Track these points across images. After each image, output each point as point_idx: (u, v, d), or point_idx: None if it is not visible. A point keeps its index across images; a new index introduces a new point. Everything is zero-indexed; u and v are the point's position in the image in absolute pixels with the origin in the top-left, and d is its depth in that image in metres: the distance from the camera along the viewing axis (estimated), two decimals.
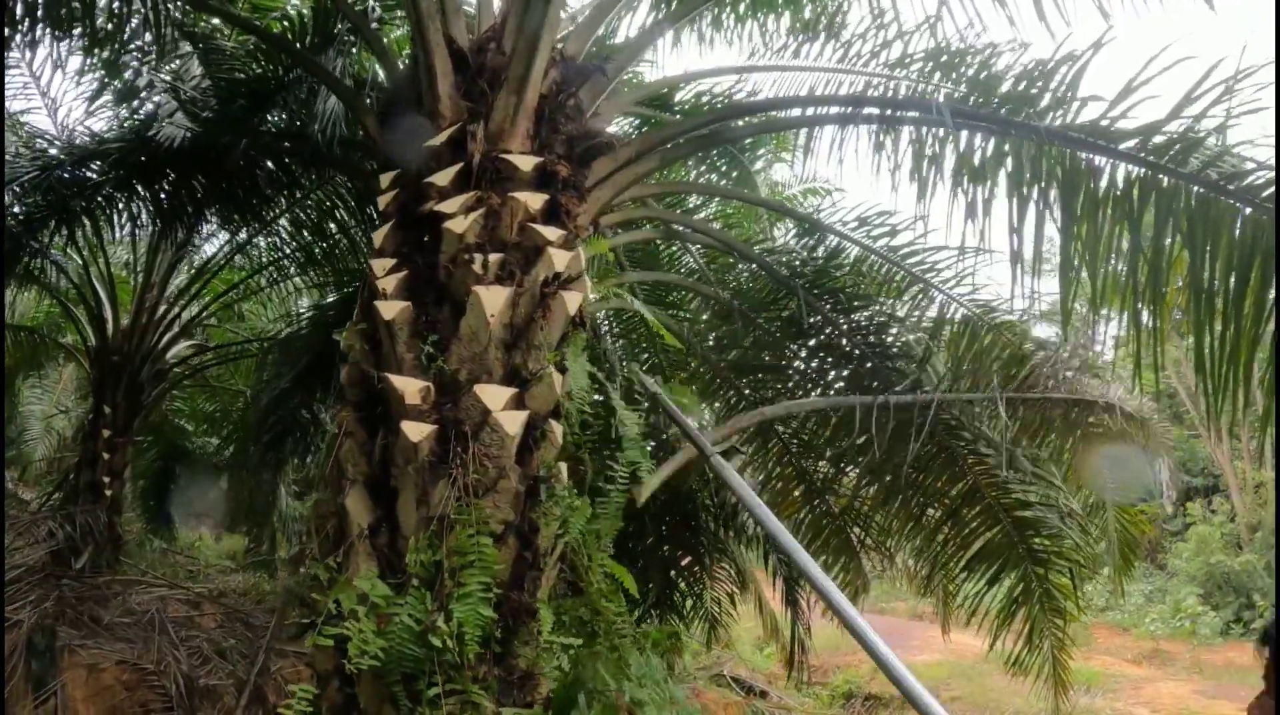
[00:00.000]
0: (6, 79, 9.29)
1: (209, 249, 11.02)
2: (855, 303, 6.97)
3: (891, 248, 6.93)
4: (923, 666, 15.10)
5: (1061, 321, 6.36)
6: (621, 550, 9.24)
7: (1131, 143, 4.60)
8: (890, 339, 7.22)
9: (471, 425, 4.26)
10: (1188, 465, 23.51)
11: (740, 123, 5.50)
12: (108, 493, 9.64)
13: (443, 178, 4.80)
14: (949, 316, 7.03)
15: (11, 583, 7.16)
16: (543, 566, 4.27)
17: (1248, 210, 4.32)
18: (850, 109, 5.39)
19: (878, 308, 7.10)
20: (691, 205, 8.79)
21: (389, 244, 4.93)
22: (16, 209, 8.63)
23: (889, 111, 5.36)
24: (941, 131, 5.19)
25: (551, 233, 4.74)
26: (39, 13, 6.83)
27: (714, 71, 6.40)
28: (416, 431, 4.18)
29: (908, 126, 5.31)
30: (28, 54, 7.73)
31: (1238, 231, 4.39)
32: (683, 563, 9.12)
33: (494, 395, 4.32)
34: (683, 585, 9.14)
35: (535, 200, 4.81)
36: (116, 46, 7.97)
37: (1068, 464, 7.31)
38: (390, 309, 4.51)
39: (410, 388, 4.30)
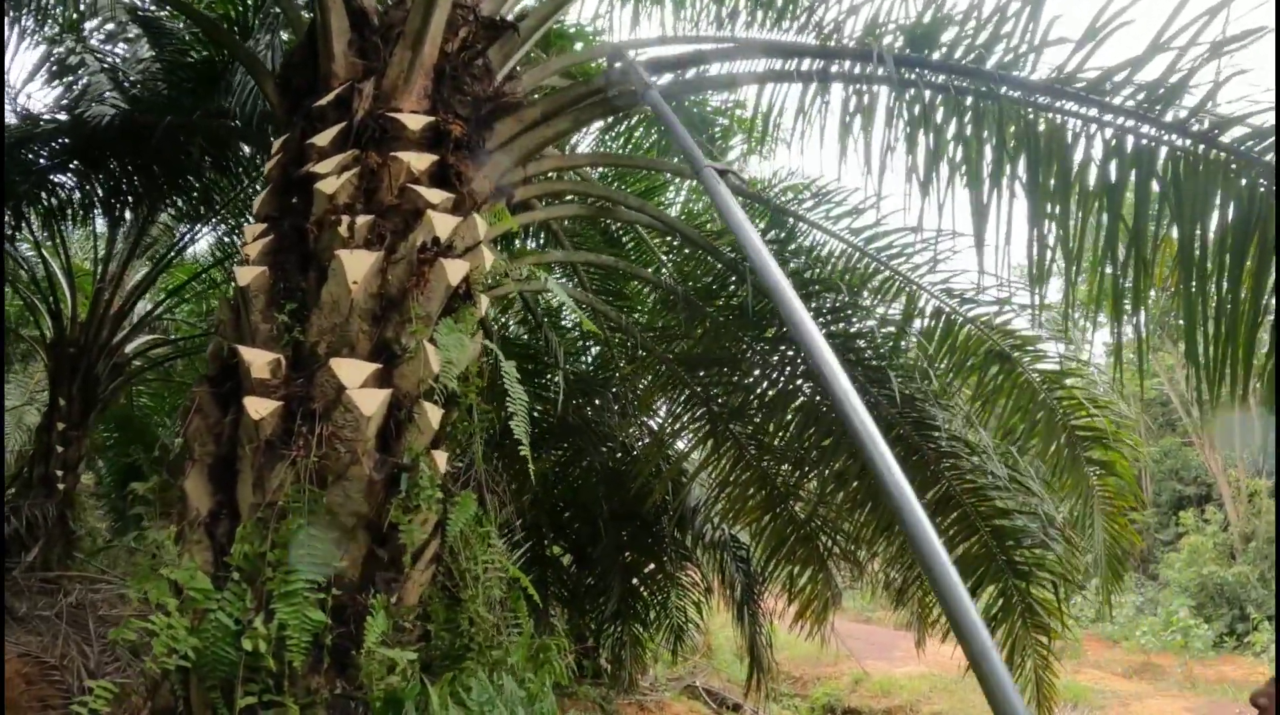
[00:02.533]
0: None
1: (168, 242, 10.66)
2: (812, 288, 6.35)
3: (854, 230, 6.33)
4: (904, 679, 14.48)
5: (1034, 312, 5.71)
6: (579, 556, 8.88)
7: (1103, 95, 4.01)
8: (855, 329, 6.59)
9: (323, 403, 3.71)
10: (1180, 473, 22.85)
11: (663, 79, 4.92)
12: (60, 487, 9.24)
13: (323, 138, 4.33)
14: (920, 308, 6.39)
15: None
16: (404, 567, 3.71)
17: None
18: (783, 63, 4.82)
19: (840, 297, 6.47)
20: (670, 198, 8.28)
21: (264, 209, 4.43)
22: None
23: (826, 64, 4.78)
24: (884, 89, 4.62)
25: (435, 195, 4.22)
26: None
27: (657, 41, 5.82)
28: (259, 407, 3.64)
29: (845, 84, 4.74)
30: None
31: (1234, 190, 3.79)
32: (645, 570, 8.56)
33: (351, 370, 3.78)
34: (645, 593, 8.56)
35: (421, 161, 4.29)
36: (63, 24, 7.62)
37: (1052, 469, 6.66)
38: (246, 274, 4.00)
39: (259, 360, 3.77)
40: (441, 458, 4.02)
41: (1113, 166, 4.23)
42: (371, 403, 3.72)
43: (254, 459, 3.61)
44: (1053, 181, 4.42)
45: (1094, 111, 4.25)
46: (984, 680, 1.96)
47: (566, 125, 4.85)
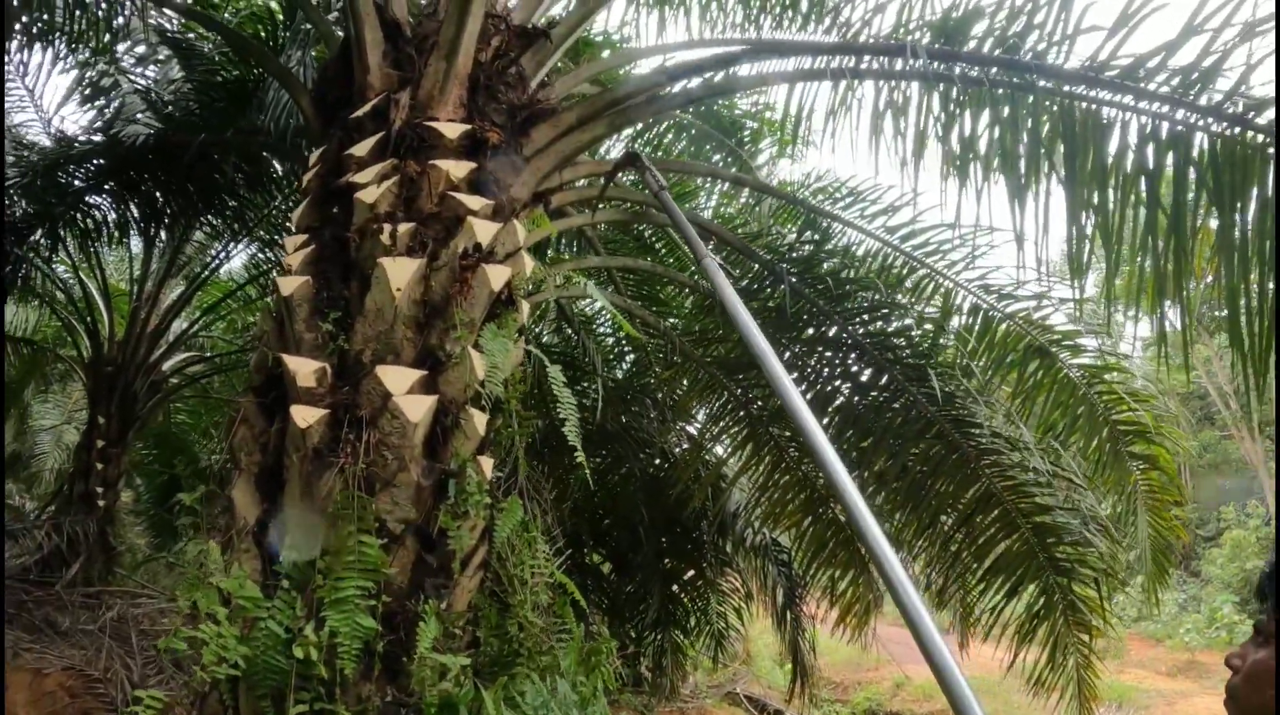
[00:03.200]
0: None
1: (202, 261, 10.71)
2: (848, 288, 6.28)
3: (889, 228, 6.26)
4: None
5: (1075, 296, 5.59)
6: (619, 564, 8.84)
7: (1137, 81, 3.95)
8: (893, 328, 6.51)
9: (369, 411, 3.70)
10: (1220, 467, 22.44)
11: (694, 82, 4.89)
12: (100, 503, 9.29)
13: (361, 148, 4.32)
14: (957, 305, 6.32)
15: None
16: (453, 573, 3.68)
17: None
18: (813, 61, 4.78)
19: (876, 295, 6.40)
20: (702, 203, 8.24)
21: (303, 221, 4.42)
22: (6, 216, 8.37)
23: (856, 62, 4.73)
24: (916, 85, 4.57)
25: (475, 202, 4.20)
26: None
27: (686, 45, 5.80)
28: (306, 416, 3.63)
29: (876, 81, 4.69)
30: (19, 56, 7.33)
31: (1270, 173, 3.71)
32: (685, 576, 8.49)
33: (397, 378, 3.76)
34: (685, 600, 8.48)
35: (459, 168, 4.27)
36: (95, 48, 7.67)
37: (1094, 464, 6.55)
38: (289, 284, 3.99)
39: (304, 369, 3.75)
40: (488, 464, 4.00)
41: (1149, 152, 4.16)
42: (418, 409, 3.70)
43: (301, 467, 3.60)
44: (1089, 169, 4.35)
45: (1129, 98, 4.18)
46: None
47: (602, 130, 4.84)
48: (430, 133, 4.34)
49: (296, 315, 3.94)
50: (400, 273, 3.88)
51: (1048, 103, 4.41)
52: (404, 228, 4.01)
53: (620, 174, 5.59)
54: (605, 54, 7.11)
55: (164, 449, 11.52)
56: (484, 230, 4.14)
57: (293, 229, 4.46)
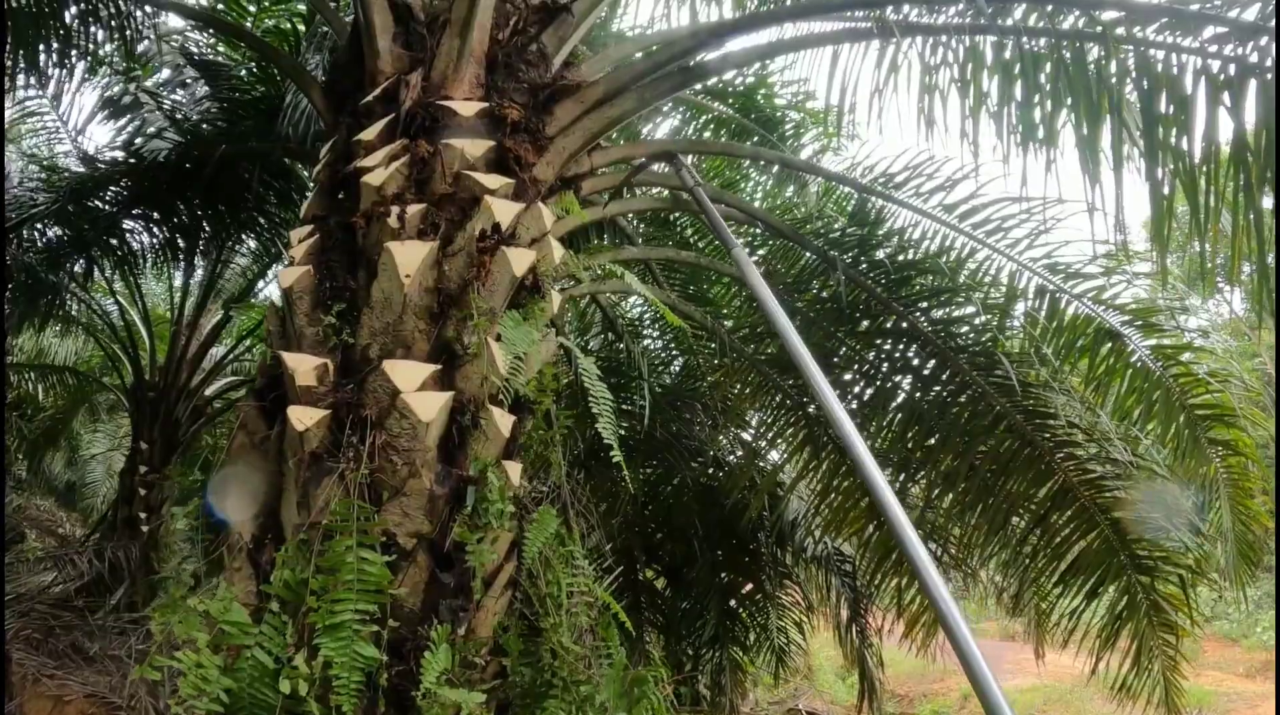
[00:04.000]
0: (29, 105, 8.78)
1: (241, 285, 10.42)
2: (906, 274, 5.71)
3: (947, 207, 5.68)
4: (1015, 693, 13.44)
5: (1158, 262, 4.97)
6: (674, 579, 8.29)
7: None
8: (957, 315, 5.93)
9: (376, 410, 3.21)
10: None
11: (732, 47, 4.37)
12: (144, 528, 8.97)
13: (370, 133, 3.88)
14: (1021, 287, 5.73)
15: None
16: (473, 594, 3.16)
17: None
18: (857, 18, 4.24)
19: (937, 280, 5.83)
20: (747, 190, 7.72)
21: (310, 211, 3.98)
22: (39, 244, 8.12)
23: (904, 15, 4.18)
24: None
25: (493, 180, 3.72)
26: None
27: (731, 26, 5.26)
28: (303, 417, 3.14)
29: (925, 37, 4.16)
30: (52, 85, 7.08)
31: None
32: (743, 590, 7.91)
33: (407, 373, 3.26)
34: (744, 615, 7.89)
35: (475, 147, 3.80)
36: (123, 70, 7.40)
37: (1173, 452, 5.90)
38: (290, 276, 3.53)
39: (303, 366, 3.28)
40: (514, 469, 3.48)
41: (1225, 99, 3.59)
42: (430, 407, 3.20)
43: (298, 474, 3.12)
44: (1162, 131, 3.79)
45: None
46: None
47: (630, 104, 4.31)
48: (443, 112, 3.88)
49: (297, 309, 3.47)
50: (410, 257, 3.39)
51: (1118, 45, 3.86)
52: (414, 209, 3.54)
53: (654, 165, 5.13)
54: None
55: (208, 473, 11.23)
56: (503, 210, 3.65)
57: (300, 224, 4.02)
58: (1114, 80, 3.94)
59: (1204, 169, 3.92)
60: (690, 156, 7.50)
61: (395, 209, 3.52)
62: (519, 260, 3.60)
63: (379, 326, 3.38)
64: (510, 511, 3.26)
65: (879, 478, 3.44)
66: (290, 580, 2.85)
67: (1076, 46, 4.03)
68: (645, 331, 7.87)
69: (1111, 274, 5.66)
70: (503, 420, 3.42)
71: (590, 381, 3.47)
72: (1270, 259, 4.01)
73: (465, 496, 3.20)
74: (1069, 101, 4.13)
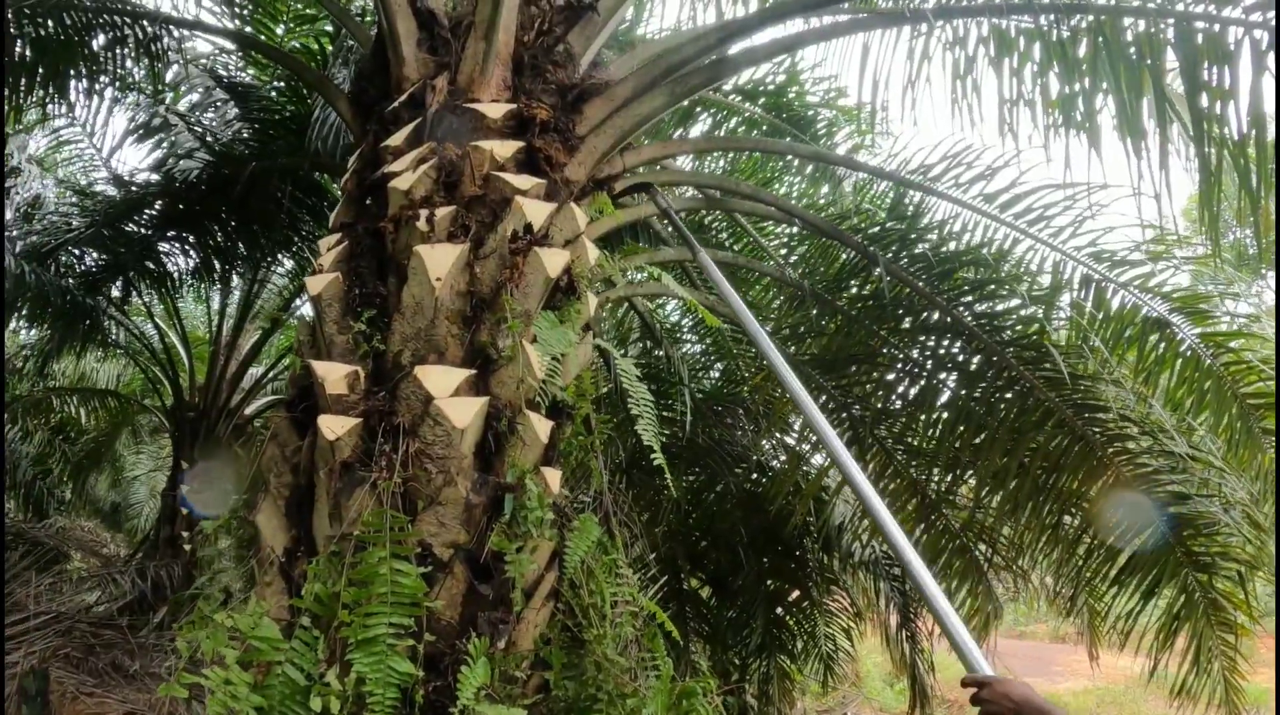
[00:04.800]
0: (63, 133, 8.84)
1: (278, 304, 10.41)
2: (948, 267, 5.53)
3: (987, 197, 5.49)
4: (1068, 695, 13.08)
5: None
6: (719, 587, 8.11)
7: None
8: (1001, 308, 5.74)
9: (409, 418, 3.08)
10: None
11: (762, 37, 4.23)
12: (186, 547, 8.94)
13: (397, 138, 3.79)
14: (1066, 278, 5.53)
15: (38, 629, 6.48)
16: (513, 606, 3.02)
17: None
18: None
19: (980, 272, 5.65)
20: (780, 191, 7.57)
21: (338, 220, 3.89)
22: (78, 268, 8.14)
23: None
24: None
25: (523, 181, 3.60)
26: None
27: (757, 19, 5.12)
28: (334, 426, 3.03)
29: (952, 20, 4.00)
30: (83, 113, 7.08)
31: None
32: (790, 598, 7.71)
33: (440, 378, 3.14)
34: (791, 622, 7.69)
35: (504, 148, 3.69)
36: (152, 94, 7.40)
37: (1227, 443, 5.67)
38: (318, 283, 3.42)
39: (333, 374, 3.16)
40: (554, 476, 3.34)
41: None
42: (465, 413, 3.07)
43: (330, 485, 3.00)
44: (1207, 101, 3.62)
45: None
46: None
47: (661, 101, 4.18)
48: (471, 114, 3.79)
49: (326, 316, 3.37)
50: (440, 260, 3.28)
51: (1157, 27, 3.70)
52: (443, 212, 3.42)
53: (688, 155, 4.98)
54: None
55: (252, 491, 11.20)
56: (535, 210, 3.53)
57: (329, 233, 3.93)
58: (1153, 54, 3.77)
59: (1253, 138, 3.76)
60: (723, 156, 7.41)
61: (424, 212, 3.41)
62: (553, 261, 3.48)
63: (410, 332, 3.26)
64: (550, 520, 3.12)
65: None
66: (322, 594, 2.72)
67: (1113, 22, 3.88)
68: (683, 337, 7.71)
69: (1158, 260, 5.46)
70: (540, 425, 3.29)
71: (630, 383, 3.34)
72: None
73: (503, 505, 3.07)
74: (1106, 83, 3.98)
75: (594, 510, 3.89)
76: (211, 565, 3.25)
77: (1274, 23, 3.60)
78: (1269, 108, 3.69)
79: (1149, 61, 3.89)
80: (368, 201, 3.75)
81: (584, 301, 3.70)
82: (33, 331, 9.08)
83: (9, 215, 9.12)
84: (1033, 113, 4.38)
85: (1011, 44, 4.31)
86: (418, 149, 3.66)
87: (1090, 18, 3.97)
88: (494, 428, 3.17)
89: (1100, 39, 3.94)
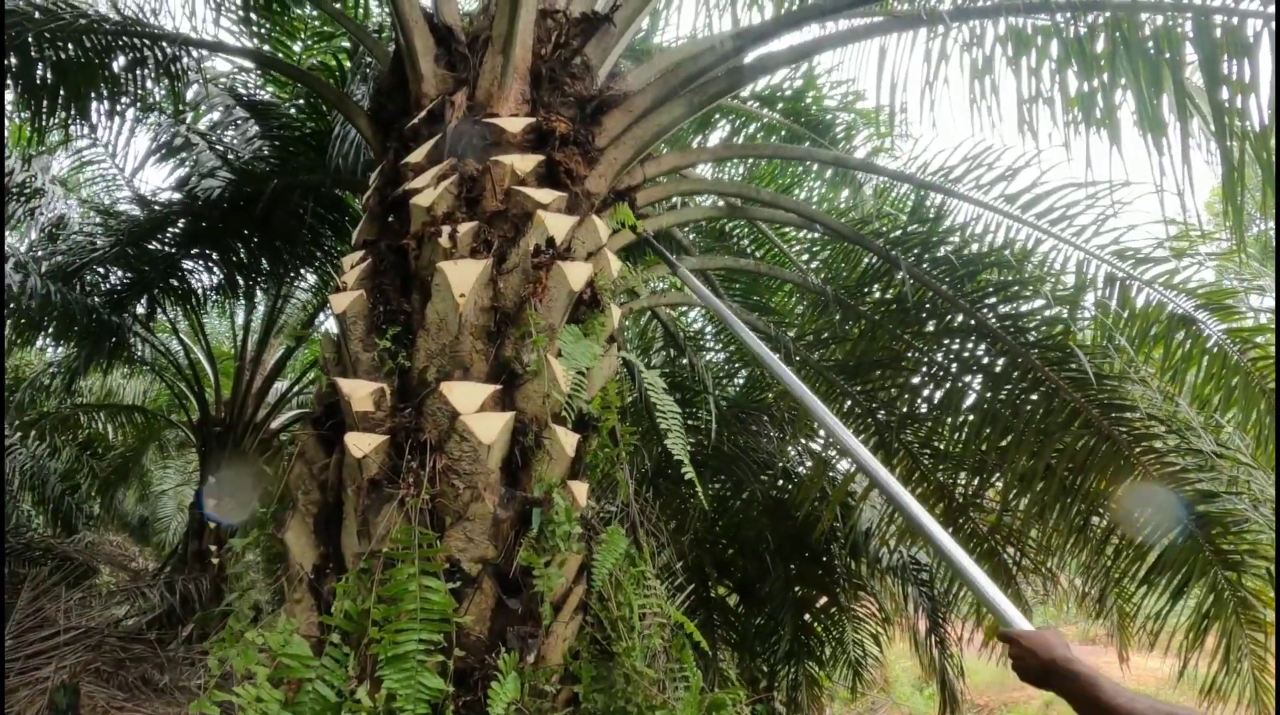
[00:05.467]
0: (86, 153, 8.91)
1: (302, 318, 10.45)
2: (971, 269, 5.49)
3: (1009, 197, 5.45)
4: None
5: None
6: (746, 595, 8.07)
7: None
8: (1025, 309, 5.69)
9: (435, 434, 3.08)
10: None
11: (779, 44, 4.21)
12: (214, 561, 8.98)
13: (417, 155, 3.80)
14: (1090, 276, 5.48)
15: (68, 644, 6.51)
16: (542, 620, 3.01)
17: None
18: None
19: (1004, 274, 5.61)
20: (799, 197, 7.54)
21: (360, 237, 3.90)
22: (104, 286, 8.20)
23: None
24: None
25: (544, 195, 3.60)
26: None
27: (773, 25, 5.09)
28: (361, 443, 3.03)
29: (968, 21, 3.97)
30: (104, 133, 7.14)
31: None
32: (818, 604, 7.67)
33: (465, 394, 3.14)
34: (819, 629, 7.64)
35: (525, 162, 3.68)
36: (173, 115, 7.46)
37: (1256, 439, 5.60)
38: (343, 301, 3.43)
39: (359, 392, 3.16)
40: (580, 490, 3.33)
41: None
42: (491, 428, 3.07)
43: (357, 502, 3.00)
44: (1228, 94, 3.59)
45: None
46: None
47: (680, 111, 4.17)
48: (490, 129, 3.79)
49: (351, 334, 3.37)
50: (463, 276, 3.28)
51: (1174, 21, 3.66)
52: (465, 228, 3.42)
53: (707, 164, 4.96)
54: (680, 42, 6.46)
55: (280, 505, 11.23)
56: (557, 224, 3.53)
57: (351, 250, 3.94)
58: (1172, 48, 3.74)
59: (1275, 131, 3.72)
60: (742, 162, 7.38)
61: (446, 229, 3.41)
62: (576, 274, 3.47)
63: (435, 348, 3.27)
64: (578, 533, 3.11)
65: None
66: (351, 611, 2.72)
67: (1130, 18, 3.85)
68: (706, 344, 7.70)
69: (1182, 257, 5.41)
70: (567, 439, 3.28)
71: (656, 395, 3.32)
72: None
73: (531, 519, 3.06)
74: (1125, 79, 3.95)
75: (621, 521, 3.89)
76: (241, 582, 3.24)
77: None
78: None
79: (1168, 56, 3.86)
80: (390, 218, 3.75)
81: (607, 313, 3.69)
82: (60, 349, 9.14)
83: (34, 235, 9.21)
84: (1051, 110, 4.34)
85: (1029, 41, 4.28)
86: (438, 165, 3.67)
87: (1107, 14, 3.94)
88: (520, 442, 3.16)
89: (1118, 34, 3.91)
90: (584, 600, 3.33)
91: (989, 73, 4.29)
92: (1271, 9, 3.62)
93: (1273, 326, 5.66)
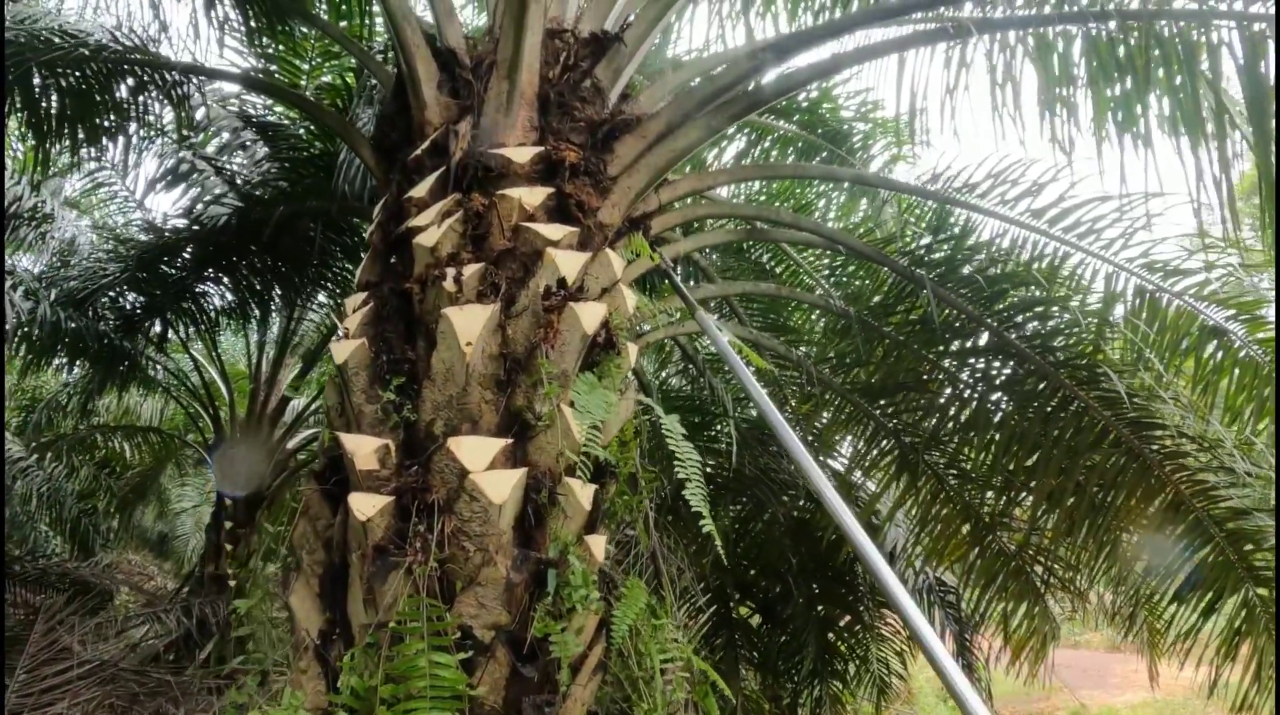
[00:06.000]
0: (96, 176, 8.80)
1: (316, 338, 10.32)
2: (999, 287, 5.29)
3: (1035, 212, 5.26)
4: (1125, 708, 12.61)
5: None
6: (768, 615, 7.90)
7: None
8: (1052, 326, 5.50)
9: (443, 494, 2.91)
10: None
11: (799, 62, 4.00)
12: (232, 584, 8.86)
13: (420, 189, 3.60)
14: (1120, 290, 5.29)
15: (82, 678, 6.37)
16: (559, 686, 2.83)
17: None
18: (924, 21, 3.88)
19: (1031, 291, 5.42)
20: (821, 215, 7.34)
21: (364, 277, 3.72)
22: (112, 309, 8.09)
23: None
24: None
25: (554, 231, 3.41)
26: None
27: (791, 41, 4.88)
28: (365, 506, 2.85)
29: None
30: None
31: None
32: (841, 623, 7.49)
33: (474, 450, 2.96)
34: (843, 647, 7.47)
35: (533, 195, 3.49)
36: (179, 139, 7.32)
37: None
38: (344, 350, 3.25)
39: (363, 448, 2.99)
40: (598, 544, 3.15)
41: None
42: (502, 487, 2.89)
43: (363, 569, 2.83)
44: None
45: None
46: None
47: (697, 134, 3.97)
48: (496, 160, 3.59)
49: (354, 385, 3.19)
50: (470, 323, 3.10)
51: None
52: (470, 270, 3.24)
53: (725, 187, 4.77)
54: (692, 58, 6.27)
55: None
56: (568, 262, 3.34)
57: (355, 290, 3.77)
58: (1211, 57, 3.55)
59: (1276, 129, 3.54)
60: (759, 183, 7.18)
61: (451, 271, 3.23)
62: (589, 316, 3.28)
63: (442, 400, 3.09)
64: (596, 597, 2.92)
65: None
66: (359, 687, 2.56)
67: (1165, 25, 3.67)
68: (725, 366, 7.51)
69: (1213, 268, 5.21)
70: (582, 492, 3.10)
71: (675, 443, 3.13)
72: None
73: (545, 580, 2.88)
74: (1158, 88, 3.76)
75: (639, 568, 3.72)
76: (246, 645, 3.08)
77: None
78: None
79: (1204, 66, 3.68)
80: (393, 258, 3.58)
81: (624, 355, 3.50)
82: (76, 370, 9.05)
83: (46, 259, 9.11)
84: (1075, 118, 4.16)
85: (1051, 47, 4.10)
86: (442, 201, 3.49)
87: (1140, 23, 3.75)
88: (533, 500, 2.98)
89: (1151, 40, 3.72)
90: (603, 660, 3.16)
91: (1009, 80, 4.09)
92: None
93: None
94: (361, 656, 2.63)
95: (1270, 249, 4.99)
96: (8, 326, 7.22)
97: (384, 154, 4.25)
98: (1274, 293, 4.60)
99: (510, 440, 3.04)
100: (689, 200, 4.76)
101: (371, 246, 3.83)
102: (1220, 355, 5.31)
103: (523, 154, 3.62)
